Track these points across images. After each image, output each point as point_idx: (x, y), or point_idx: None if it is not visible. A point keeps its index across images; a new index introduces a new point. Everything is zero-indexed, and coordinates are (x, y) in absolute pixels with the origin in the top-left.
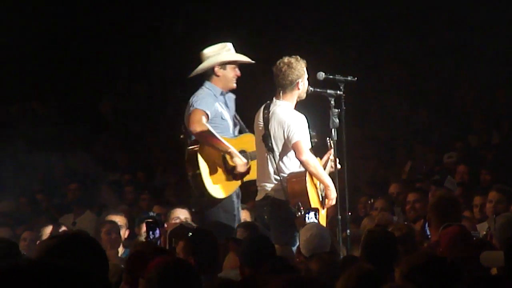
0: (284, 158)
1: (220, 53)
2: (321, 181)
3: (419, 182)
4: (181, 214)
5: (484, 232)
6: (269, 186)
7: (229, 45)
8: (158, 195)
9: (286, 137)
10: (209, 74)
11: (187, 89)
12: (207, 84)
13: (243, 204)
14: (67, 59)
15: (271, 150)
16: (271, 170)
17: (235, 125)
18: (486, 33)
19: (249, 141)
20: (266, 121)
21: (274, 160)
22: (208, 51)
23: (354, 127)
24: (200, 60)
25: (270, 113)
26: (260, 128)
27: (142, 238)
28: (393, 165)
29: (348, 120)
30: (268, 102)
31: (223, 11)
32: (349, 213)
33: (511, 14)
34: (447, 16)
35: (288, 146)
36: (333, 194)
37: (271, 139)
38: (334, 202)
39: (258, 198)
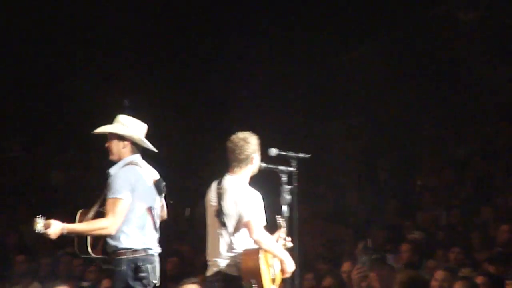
0: (237, 234)
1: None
2: (276, 257)
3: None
4: None
5: None
6: (221, 262)
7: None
8: None
9: (238, 214)
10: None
11: None
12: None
13: (194, 278)
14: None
15: (224, 225)
16: (224, 245)
17: None
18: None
19: None
20: (219, 196)
21: (228, 235)
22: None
23: (304, 204)
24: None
25: (223, 189)
26: (213, 203)
27: None
28: (342, 242)
29: (299, 197)
30: (221, 177)
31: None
32: None
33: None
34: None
35: (241, 222)
36: (289, 267)
37: (224, 215)
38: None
39: (209, 273)
